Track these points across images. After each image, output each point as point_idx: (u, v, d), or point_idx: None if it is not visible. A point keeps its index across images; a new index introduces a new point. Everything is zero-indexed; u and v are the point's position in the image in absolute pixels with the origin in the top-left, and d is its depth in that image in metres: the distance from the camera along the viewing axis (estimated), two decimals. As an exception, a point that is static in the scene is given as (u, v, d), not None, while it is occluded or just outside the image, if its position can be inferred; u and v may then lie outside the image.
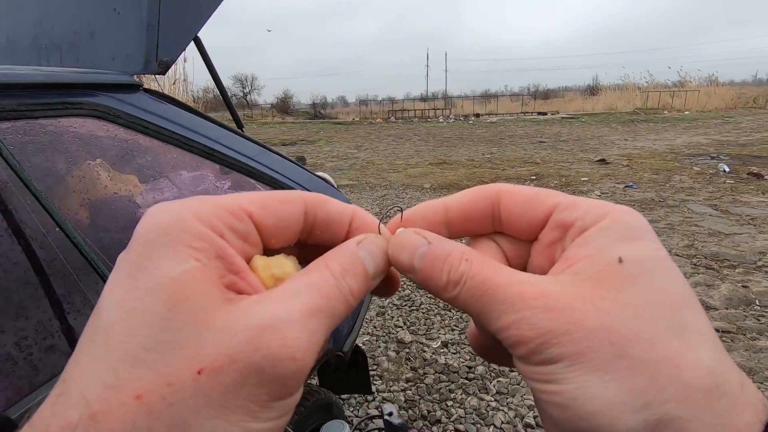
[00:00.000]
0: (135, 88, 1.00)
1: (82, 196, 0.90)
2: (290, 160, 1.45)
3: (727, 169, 6.91)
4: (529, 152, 10.51)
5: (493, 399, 2.18)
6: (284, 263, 0.21)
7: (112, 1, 1.06)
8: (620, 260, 0.18)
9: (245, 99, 46.05)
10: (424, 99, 51.74)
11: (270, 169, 1.31)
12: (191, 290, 0.17)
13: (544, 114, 25.80)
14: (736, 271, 3.44)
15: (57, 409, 0.15)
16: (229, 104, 1.32)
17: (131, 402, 0.15)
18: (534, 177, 7.50)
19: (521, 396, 2.18)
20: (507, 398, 2.18)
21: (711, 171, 7.11)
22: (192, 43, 1.17)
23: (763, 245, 3.92)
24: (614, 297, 0.18)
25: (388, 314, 3.04)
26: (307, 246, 0.24)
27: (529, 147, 11.47)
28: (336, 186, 1.72)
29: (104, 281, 0.72)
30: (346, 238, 0.23)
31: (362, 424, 1.99)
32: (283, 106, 38.67)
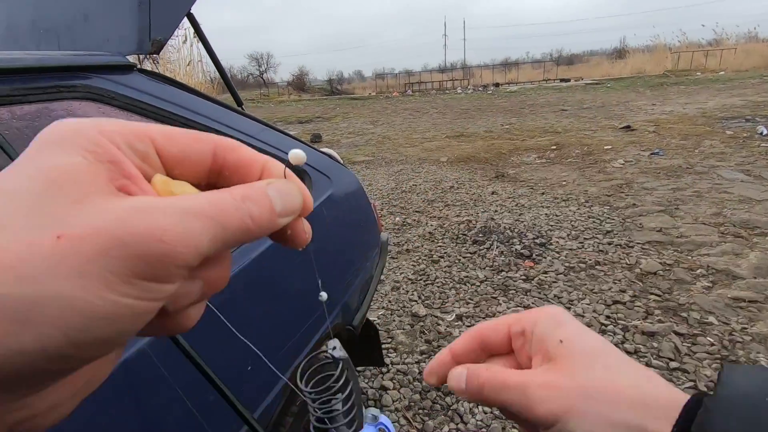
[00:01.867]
0: (129, 68, 0.99)
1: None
2: (291, 137, 1.44)
3: (765, 132, 6.53)
4: (550, 121, 10.18)
5: (506, 370, 2.19)
6: (186, 187, 0.21)
7: (103, -19, 1.05)
8: (561, 341, 0.30)
9: (261, 77, 45.87)
10: (442, 70, 50.40)
11: (271, 147, 1.31)
12: (73, 176, 0.17)
13: (567, 81, 24.79)
14: (767, 238, 3.30)
15: None
16: (226, 80, 1.31)
17: None
18: (554, 147, 7.28)
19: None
20: (521, 370, 2.18)
21: (745, 134, 6.73)
22: (186, 22, 1.15)
23: (797, 211, 3.73)
24: (569, 366, 0.28)
25: (403, 288, 3.06)
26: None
27: (551, 116, 11.10)
28: (342, 162, 1.71)
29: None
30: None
31: (312, 359, 2.04)
32: (299, 84, 38.39)
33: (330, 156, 1.63)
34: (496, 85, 26.32)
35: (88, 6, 1.09)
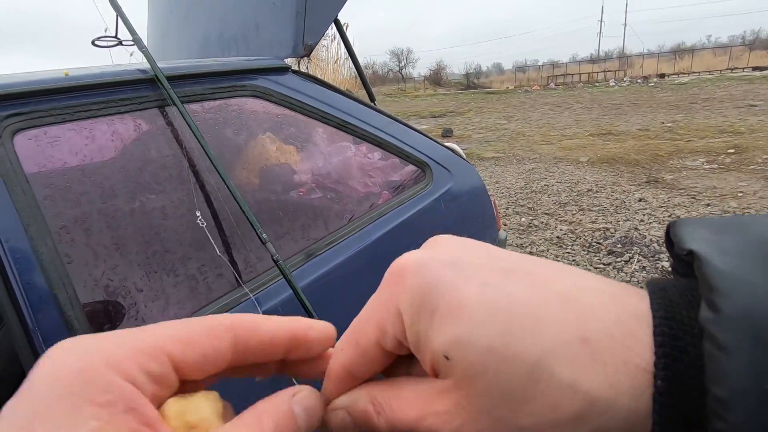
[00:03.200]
0: (285, 70, 1.18)
1: (252, 164, 1.13)
2: (417, 131, 1.51)
3: None
4: (729, 119, 8.43)
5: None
6: (201, 407, 0.19)
7: (272, -4, 1.25)
8: (446, 358, 0.18)
9: (400, 73, 47.64)
10: (593, 60, 45.47)
11: (396, 139, 1.40)
12: None
13: (763, 69, 20.05)
14: None
15: None
16: (363, 79, 1.44)
17: None
18: (732, 150, 6.02)
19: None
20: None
21: None
22: (333, 26, 1.30)
23: None
24: (466, 400, 0.18)
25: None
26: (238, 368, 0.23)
27: (732, 112, 9.17)
28: (464, 156, 1.72)
29: (253, 227, 0.91)
30: (284, 357, 0.23)
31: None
32: (436, 78, 38.79)
33: (453, 150, 1.66)
34: (661, 76, 22.70)
35: (259, 16, 1.32)
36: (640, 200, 4.46)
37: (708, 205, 4.14)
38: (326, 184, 1.40)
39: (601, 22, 54.62)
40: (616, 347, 0.16)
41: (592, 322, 0.17)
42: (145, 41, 1.01)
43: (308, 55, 1.22)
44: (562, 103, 14.67)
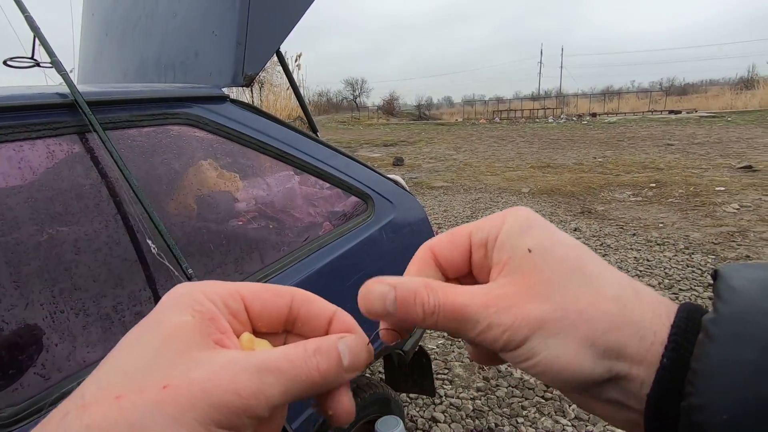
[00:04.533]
0: (222, 99, 1.16)
1: (187, 193, 1.08)
2: (361, 163, 1.53)
3: None
4: (651, 156, 9.31)
5: (570, 423, 2.02)
6: (265, 344, 0.25)
7: (212, 25, 1.24)
8: (529, 250, 0.24)
9: (354, 101, 48.50)
10: (534, 98, 48.87)
11: (338, 171, 1.40)
12: (183, 332, 0.22)
13: (678, 113, 22.50)
14: None
15: (63, 403, 0.20)
16: (304, 109, 1.44)
17: (111, 400, 0.19)
18: (654, 184, 6.63)
19: (603, 425, 1.98)
20: (586, 425, 2.00)
21: None
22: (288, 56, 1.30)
23: None
24: (539, 280, 0.23)
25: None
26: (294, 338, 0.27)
27: (653, 150, 10.15)
28: (407, 188, 1.76)
29: (178, 262, 0.86)
30: (324, 335, 0.26)
31: None
32: (389, 108, 39.85)
33: (395, 182, 1.69)
34: (593, 115, 24.79)
35: (199, 44, 1.30)
36: (575, 230, 4.75)
37: (634, 234, 4.48)
38: (269, 213, 1.36)
39: (541, 63, 59.28)
40: (646, 324, 0.22)
41: (638, 303, 0.23)
42: (75, 62, 0.95)
43: (248, 86, 1.21)
44: (506, 136, 15.54)
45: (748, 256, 3.72)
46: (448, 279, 0.28)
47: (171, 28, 1.38)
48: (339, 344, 0.24)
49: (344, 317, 0.27)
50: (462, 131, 18.92)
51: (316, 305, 0.26)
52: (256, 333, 0.25)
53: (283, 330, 0.26)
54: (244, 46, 1.19)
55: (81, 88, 0.91)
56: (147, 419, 0.19)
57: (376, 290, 0.25)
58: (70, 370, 0.75)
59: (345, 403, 0.25)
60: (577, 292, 0.23)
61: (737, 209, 5.08)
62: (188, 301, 0.23)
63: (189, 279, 0.86)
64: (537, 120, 24.48)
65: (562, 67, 58.51)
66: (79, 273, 0.80)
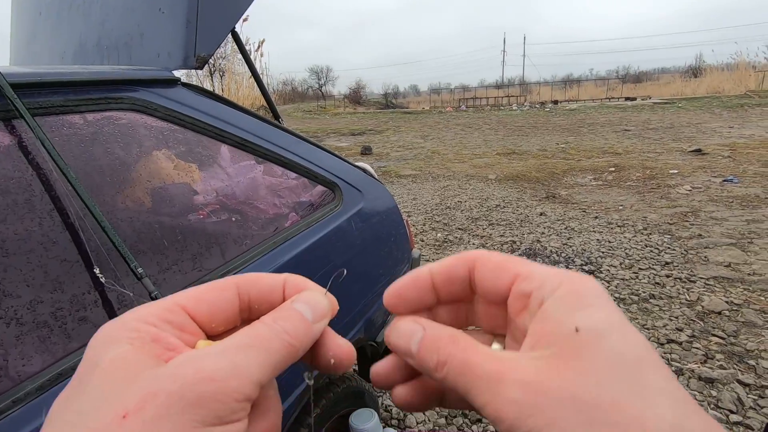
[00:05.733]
0: (173, 83, 1.06)
1: (137, 185, 0.99)
2: (327, 151, 1.47)
3: None
4: (610, 141, 9.66)
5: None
6: None
7: (157, 2, 1.14)
8: (577, 330, 0.19)
9: (320, 90, 47.66)
10: (498, 86, 49.66)
11: (303, 159, 1.34)
12: (125, 362, 0.19)
13: (633, 99, 23.46)
14: None
15: None
16: (265, 94, 1.36)
17: None
18: (613, 168, 6.88)
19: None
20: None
21: (840, 163, 5.99)
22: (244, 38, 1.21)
23: None
24: (576, 367, 0.19)
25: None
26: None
27: (611, 136, 10.54)
28: (376, 177, 1.71)
29: (126, 261, 0.78)
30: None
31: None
32: (355, 97, 39.41)
33: (364, 170, 1.64)
34: (555, 102, 25.47)
35: (144, 24, 1.19)
36: (541, 214, 4.86)
37: (596, 217, 4.64)
38: (230, 205, 1.28)
39: (504, 52, 60.10)
40: None
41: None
42: (6, 46, 0.84)
43: (201, 68, 1.12)
44: (472, 124, 15.71)
45: (701, 235, 3.93)
46: (441, 302, 0.26)
47: (112, 5, 1.26)
48: (295, 305, 0.23)
49: (295, 280, 0.26)
50: (429, 119, 18.98)
51: (264, 281, 0.25)
52: (215, 337, 0.24)
53: (242, 321, 0.25)
54: (195, 26, 1.10)
55: (4, 69, 0.81)
56: None
57: (407, 327, 0.24)
58: (3, 387, 0.67)
59: (341, 345, 0.25)
60: (622, 399, 0.17)
61: (689, 191, 5.35)
62: (121, 333, 0.20)
63: (139, 278, 0.78)
64: (502, 107, 24.90)
65: (524, 55, 59.66)
66: (9, 278, 0.71)
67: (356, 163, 1.64)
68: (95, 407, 0.18)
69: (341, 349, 0.25)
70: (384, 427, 1.64)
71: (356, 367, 1.95)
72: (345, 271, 0.27)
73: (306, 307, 0.23)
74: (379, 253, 1.64)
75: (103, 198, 0.87)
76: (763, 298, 2.81)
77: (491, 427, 1.97)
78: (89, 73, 0.91)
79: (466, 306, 0.27)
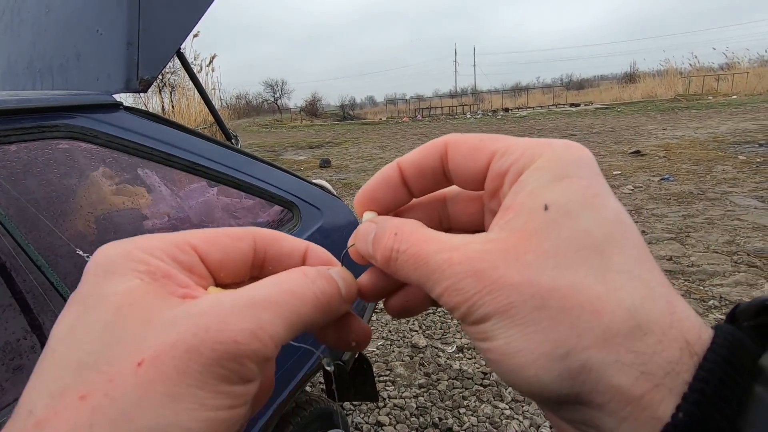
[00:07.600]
0: (114, 107, 1.02)
1: (77, 213, 0.93)
2: (282, 170, 1.45)
3: (778, 157, 6.41)
4: (559, 146, 10.16)
5: (507, 407, 2.11)
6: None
7: (95, 23, 1.09)
8: (546, 207, 0.18)
9: (276, 103, 47.05)
10: (452, 95, 51.12)
11: (258, 180, 1.31)
12: (136, 299, 0.17)
13: (577, 105, 24.87)
14: (783, 268, 3.18)
15: (4, 429, 0.15)
16: (215, 115, 1.33)
17: (76, 403, 0.15)
18: (563, 172, 7.23)
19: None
20: (522, 406, 2.10)
21: (759, 160, 6.61)
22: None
23: (815, 240, 3.60)
24: (537, 249, 0.17)
25: (404, 318, 3.00)
26: None
27: (560, 140, 11.08)
28: (334, 193, 1.71)
29: (65, 300, 0.73)
30: None
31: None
32: (312, 109, 39.22)
33: (321, 187, 1.63)
34: (506, 110, 26.52)
35: (81, 45, 1.13)
36: (498, 219, 5.02)
37: (550, 219, 4.85)
38: (185, 229, 1.23)
39: (456, 62, 62.11)
40: (661, 362, 0.15)
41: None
42: None
43: (145, 91, 1.07)
44: (429, 133, 16.04)
45: (644, 231, 4.19)
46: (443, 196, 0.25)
47: (44, 25, 1.19)
48: (332, 273, 0.22)
49: (319, 251, 0.24)
50: (387, 130, 19.20)
51: (287, 242, 0.24)
52: (221, 286, 0.22)
53: (250, 277, 0.23)
54: (136, 47, 1.06)
55: None
56: (131, 410, 0.15)
57: (362, 229, 0.23)
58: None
59: (364, 327, 0.24)
60: (579, 282, 0.16)
61: (632, 190, 5.71)
62: (126, 263, 0.18)
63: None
64: (456, 116, 25.62)
65: (475, 65, 61.90)
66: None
67: (313, 180, 1.63)
68: (108, 346, 0.16)
69: (364, 332, 0.24)
70: (355, 447, 1.61)
71: (323, 387, 1.91)
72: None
73: (342, 281, 0.22)
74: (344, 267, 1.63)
75: (38, 234, 0.81)
76: (702, 288, 3.03)
77: (462, 435, 1.98)
78: (17, 100, 0.85)
79: (443, 205, 0.25)
